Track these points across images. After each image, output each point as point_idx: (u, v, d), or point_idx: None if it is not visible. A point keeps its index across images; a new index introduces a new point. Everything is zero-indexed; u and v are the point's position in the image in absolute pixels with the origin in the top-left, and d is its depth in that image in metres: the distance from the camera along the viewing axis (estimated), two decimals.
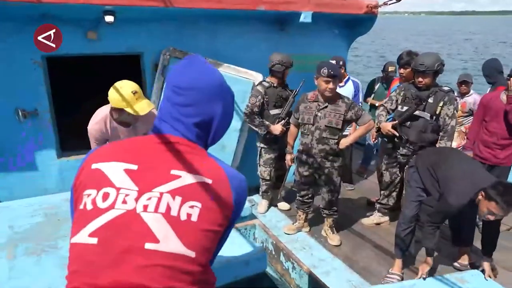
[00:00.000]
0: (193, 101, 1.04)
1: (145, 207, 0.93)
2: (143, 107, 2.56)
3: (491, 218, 2.55)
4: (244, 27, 4.23)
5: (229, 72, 4.03)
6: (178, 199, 0.94)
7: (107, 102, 2.67)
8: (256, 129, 3.88)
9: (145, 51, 3.86)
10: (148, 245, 0.90)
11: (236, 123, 4.08)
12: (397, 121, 3.51)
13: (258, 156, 4.09)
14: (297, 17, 4.05)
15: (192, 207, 0.95)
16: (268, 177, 4.08)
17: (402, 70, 4.05)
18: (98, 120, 2.71)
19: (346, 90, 4.44)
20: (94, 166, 1.00)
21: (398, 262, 3.14)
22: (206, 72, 1.07)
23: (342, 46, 4.83)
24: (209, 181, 0.98)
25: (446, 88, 3.41)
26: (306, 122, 3.44)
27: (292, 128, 3.66)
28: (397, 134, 3.49)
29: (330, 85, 3.23)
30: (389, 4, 3.71)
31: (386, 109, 3.66)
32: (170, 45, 3.82)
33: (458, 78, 5.01)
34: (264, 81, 3.90)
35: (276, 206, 4.29)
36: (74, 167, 4.06)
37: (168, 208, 0.93)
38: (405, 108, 3.49)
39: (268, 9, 3.88)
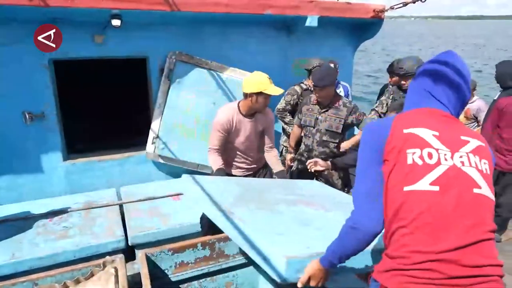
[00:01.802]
0: (456, 83, 1.36)
1: (462, 163, 1.23)
2: (276, 89, 2.90)
3: None
4: (251, 31, 4.23)
5: (235, 76, 4.03)
6: (477, 157, 1.26)
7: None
8: (285, 126, 4.05)
9: (151, 55, 3.86)
10: (476, 190, 1.21)
11: None
12: None
13: (279, 154, 4.10)
14: (303, 21, 4.05)
15: (485, 163, 1.27)
16: None
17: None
18: (227, 112, 2.96)
19: None
20: (406, 131, 1.28)
21: None
22: (462, 61, 1.39)
23: (348, 50, 4.82)
24: (483, 144, 1.32)
25: None
26: (307, 125, 3.46)
27: (295, 128, 3.69)
28: None
29: (317, 93, 3.29)
30: (396, 8, 3.69)
31: (378, 113, 3.85)
32: (176, 49, 3.83)
33: None
34: (302, 83, 4.01)
35: None
36: (80, 170, 4.06)
37: (476, 163, 1.25)
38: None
39: (275, 13, 3.88)
